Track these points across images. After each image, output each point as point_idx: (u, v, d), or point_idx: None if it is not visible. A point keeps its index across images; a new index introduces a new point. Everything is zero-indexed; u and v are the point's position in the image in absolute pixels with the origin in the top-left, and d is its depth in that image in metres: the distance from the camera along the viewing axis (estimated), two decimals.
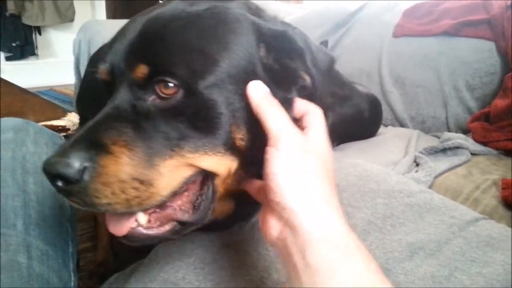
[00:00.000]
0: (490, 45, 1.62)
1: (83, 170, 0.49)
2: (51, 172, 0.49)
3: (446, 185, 1.21)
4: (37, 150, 0.75)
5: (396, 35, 1.91)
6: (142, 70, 0.55)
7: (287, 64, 0.61)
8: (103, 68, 0.60)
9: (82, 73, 2.03)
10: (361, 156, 1.36)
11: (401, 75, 1.82)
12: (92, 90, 1.51)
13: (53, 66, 4.92)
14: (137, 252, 0.81)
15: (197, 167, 0.56)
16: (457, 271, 0.71)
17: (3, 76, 2.64)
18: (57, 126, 1.41)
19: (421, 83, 1.77)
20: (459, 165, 1.30)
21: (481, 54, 1.63)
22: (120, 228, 0.55)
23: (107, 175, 0.50)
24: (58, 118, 1.47)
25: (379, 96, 1.77)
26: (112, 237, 0.57)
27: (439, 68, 1.73)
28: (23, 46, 4.77)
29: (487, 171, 1.25)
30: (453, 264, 0.72)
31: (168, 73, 0.54)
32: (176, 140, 0.54)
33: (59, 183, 0.49)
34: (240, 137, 0.57)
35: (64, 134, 1.43)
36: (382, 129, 1.74)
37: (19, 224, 0.62)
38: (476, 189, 1.16)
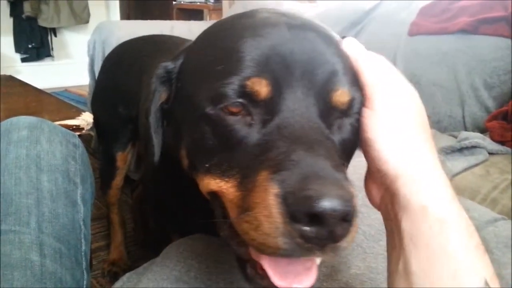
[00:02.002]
0: (508, 43, 1.58)
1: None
2: (339, 210, 0.39)
3: (463, 185, 1.19)
4: (51, 148, 0.75)
5: (411, 33, 1.88)
6: (345, 97, 0.51)
7: None
8: (261, 81, 0.49)
9: (96, 73, 2.05)
10: None
11: (417, 74, 1.79)
12: (107, 92, 1.52)
13: (68, 67, 4.99)
14: (150, 251, 0.81)
15: None
16: None
17: (19, 77, 2.68)
18: (72, 126, 1.42)
19: (437, 81, 1.74)
20: (477, 164, 1.28)
21: (499, 52, 1.60)
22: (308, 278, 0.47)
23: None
24: (72, 117, 1.48)
25: None
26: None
27: (456, 67, 1.69)
28: (39, 48, 4.84)
29: (505, 170, 1.23)
30: None
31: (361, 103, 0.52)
32: None
33: (332, 222, 0.40)
34: None
35: (78, 133, 1.44)
36: None
37: (32, 222, 0.62)
38: (494, 189, 1.14)
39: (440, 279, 0.41)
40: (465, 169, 1.26)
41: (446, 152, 1.34)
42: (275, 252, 0.42)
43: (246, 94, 0.49)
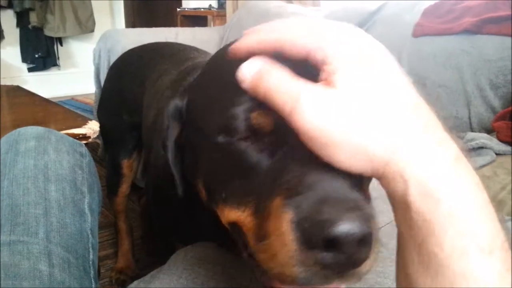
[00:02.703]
0: None
1: None
2: (357, 233, 0.36)
3: None
4: (59, 158, 0.75)
5: (416, 34, 1.87)
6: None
7: None
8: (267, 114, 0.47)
9: (102, 82, 2.06)
10: None
11: (422, 75, 1.78)
12: (112, 100, 1.54)
13: (74, 76, 5.03)
14: (159, 259, 0.81)
15: None
16: None
17: (26, 87, 2.71)
18: (78, 134, 1.43)
19: (442, 82, 1.73)
20: (484, 165, 1.27)
21: (504, 51, 1.58)
22: None
23: None
24: (79, 126, 1.49)
25: None
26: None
27: (461, 67, 1.68)
28: (45, 57, 4.89)
29: None
30: None
31: None
32: None
33: (350, 246, 0.37)
34: None
35: (85, 142, 1.45)
36: None
37: (40, 232, 0.62)
38: (501, 190, 1.13)
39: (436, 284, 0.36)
40: None
41: None
42: (293, 282, 0.40)
43: (253, 128, 0.48)
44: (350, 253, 0.38)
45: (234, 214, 0.50)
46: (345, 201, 0.39)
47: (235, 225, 0.51)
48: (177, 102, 0.61)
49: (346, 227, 0.36)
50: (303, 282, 0.40)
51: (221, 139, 0.50)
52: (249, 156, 0.48)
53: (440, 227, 0.35)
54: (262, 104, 0.46)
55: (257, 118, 0.47)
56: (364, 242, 0.38)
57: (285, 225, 0.40)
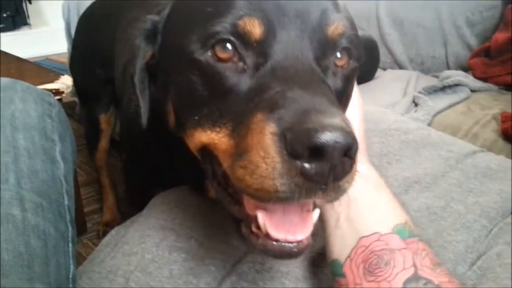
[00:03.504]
0: None
1: None
2: (341, 141, 0.37)
3: (445, 123, 1.20)
4: (26, 107, 0.74)
5: None
6: (339, 29, 0.50)
7: None
8: (254, 21, 0.47)
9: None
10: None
11: (400, 16, 1.76)
12: (83, 53, 1.49)
13: (47, 34, 4.84)
14: (143, 210, 0.82)
15: None
16: (453, 202, 0.71)
17: None
18: (51, 90, 1.40)
19: (420, 22, 1.72)
20: (459, 102, 1.29)
21: None
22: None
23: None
24: (51, 81, 1.46)
25: (378, 39, 1.73)
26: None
27: (438, 6, 1.67)
28: (14, 17, 4.68)
29: (487, 106, 1.24)
30: (449, 195, 0.72)
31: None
32: None
33: (334, 155, 0.37)
34: None
35: (59, 97, 1.42)
36: (380, 72, 1.71)
37: (11, 178, 0.62)
38: (475, 124, 1.15)
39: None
40: (448, 107, 1.27)
41: (429, 92, 1.35)
42: (272, 197, 0.40)
43: (238, 35, 0.47)
44: (334, 163, 0.38)
45: (206, 136, 0.49)
46: (328, 112, 0.39)
47: (205, 149, 0.51)
48: (152, 17, 0.58)
49: (331, 135, 0.36)
50: (283, 196, 0.39)
51: (199, 55, 0.49)
52: (228, 77, 0.48)
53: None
54: (252, 13, 0.46)
55: (246, 24, 0.47)
56: (347, 154, 0.38)
57: (267, 137, 0.39)
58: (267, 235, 0.44)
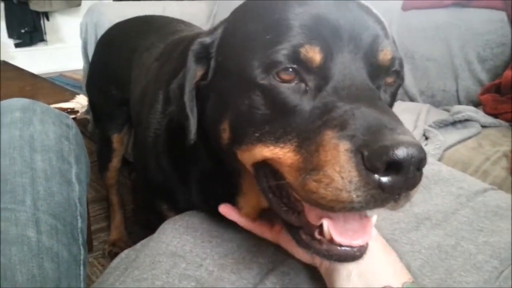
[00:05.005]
0: (501, 16, 1.58)
1: None
2: (416, 156, 0.41)
3: (455, 158, 1.20)
4: (44, 128, 0.75)
5: (405, 8, 1.86)
6: (389, 55, 0.54)
7: None
8: (314, 48, 0.51)
9: (90, 56, 2.04)
10: None
11: (411, 49, 1.78)
12: (100, 74, 1.52)
13: (62, 51, 4.94)
14: (150, 230, 0.83)
15: None
16: (464, 241, 0.71)
17: (13, 63, 2.66)
18: (66, 109, 1.42)
19: (431, 56, 1.73)
20: (469, 137, 1.29)
21: (492, 24, 1.59)
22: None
23: None
24: (67, 100, 1.48)
25: None
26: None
27: (449, 41, 1.69)
28: (32, 33, 4.78)
29: (498, 143, 1.24)
30: (460, 233, 0.72)
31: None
32: None
33: (410, 169, 0.42)
34: None
35: (73, 116, 1.44)
36: None
37: (27, 200, 0.63)
38: (486, 161, 1.15)
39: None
40: (458, 142, 1.27)
41: (439, 126, 1.35)
42: (346, 207, 0.43)
43: (300, 61, 0.51)
44: (409, 176, 0.42)
45: (269, 151, 0.52)
46: (398, 129, 0.43)
47: (264, 163, 0.54)
48: (204, 40, 0.61)
49: (407, 150, 0.40)
50: (358, 207, 0.43)
51: (261, 80, 0.52)
52: (292, 97, 0.51)
53: None
54: (312, 40, 0.50)
55: (308, 52, 0.50)
56: (419, 167, 0.42)
57: (342, 154, 0.43)
58: (331, 241, 0.48)
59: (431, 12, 1.77)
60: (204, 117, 0.64)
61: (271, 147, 0.52)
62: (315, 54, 0.50)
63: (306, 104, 0.51)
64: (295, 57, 0.50)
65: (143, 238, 0.82)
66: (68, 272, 0.62)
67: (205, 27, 2.28)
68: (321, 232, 0.49)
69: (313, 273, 0.64)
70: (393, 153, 0.40)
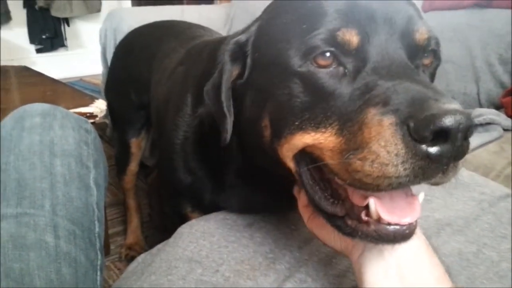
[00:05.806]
0: None
1: None
2: (464, 123, 0.40)
3: (477, 162, 1.17)
4: (64, 133, 0.76)
5: (424, 9, 1.84)
6: (425, 34, 0.54)
7: None
8: (351, 31, 0.51)
9: (109, 61, 2.07)
10: None
11: None
12: (119, 79, 1.54)
13: (82, 56, 5.03)
14: (167, 235, 0.83)
15: None
16: (486, 248, 0.69)
17: (34, 68, 2.72)
18: (85, 113, 1.44)
19: (451, 58, 1.70)
20: (491, 141, 1.26)
21: None
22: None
23: None
24: (86, 105, 1.50)
25: None
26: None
27: (470, 42, 1.66)
28: (52, 38, 4.88)
29: None
30: (482, 240, 0.70)
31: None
32: None
33: (458, 137, 0.40)
34: None
35: (92, 120, 1.46)
36: None
37: (46, 204, 0.64)
38: (508, 165, 1.12)
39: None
40: (479, 146, 1.24)
41: None
42: (393, 183, 0.43)
43: (337, 44, 0.51)
44: (459, 144, 0.41)
45: (310, 137, 0.52)
46: (443, 99, 0.43)
47: (304, 153, 0.54)
48: (239, 38, 0.62)
49: (455, 117, 0.40)
50: (404, 181, 0.42)
51: (300, 67, 0.52)
52: (331, 82, 0.51)
53: None
54: (348, 24, 0.50)
55: (345, 35, 0.51)
56: (467, 135, 0.41)
57: (387, 128, 0.43)
58: (379, 221, 0.47)
59: (451, 13, 1.74)
60: (240, 118, 0.64)
61: (312, 133, 0.52)
62: (352, 37, 0.51)
63: (345, 87, 0.51)
64: (333, 40, 0.51)
65: (159, 242, 0.82)
66: (85, 277, 0.62)
67: (222, 31, 2.29)
68: (368, 213, 0.48)
69: (331, 280, 0.63)
70: (440, 121, 0.40)
